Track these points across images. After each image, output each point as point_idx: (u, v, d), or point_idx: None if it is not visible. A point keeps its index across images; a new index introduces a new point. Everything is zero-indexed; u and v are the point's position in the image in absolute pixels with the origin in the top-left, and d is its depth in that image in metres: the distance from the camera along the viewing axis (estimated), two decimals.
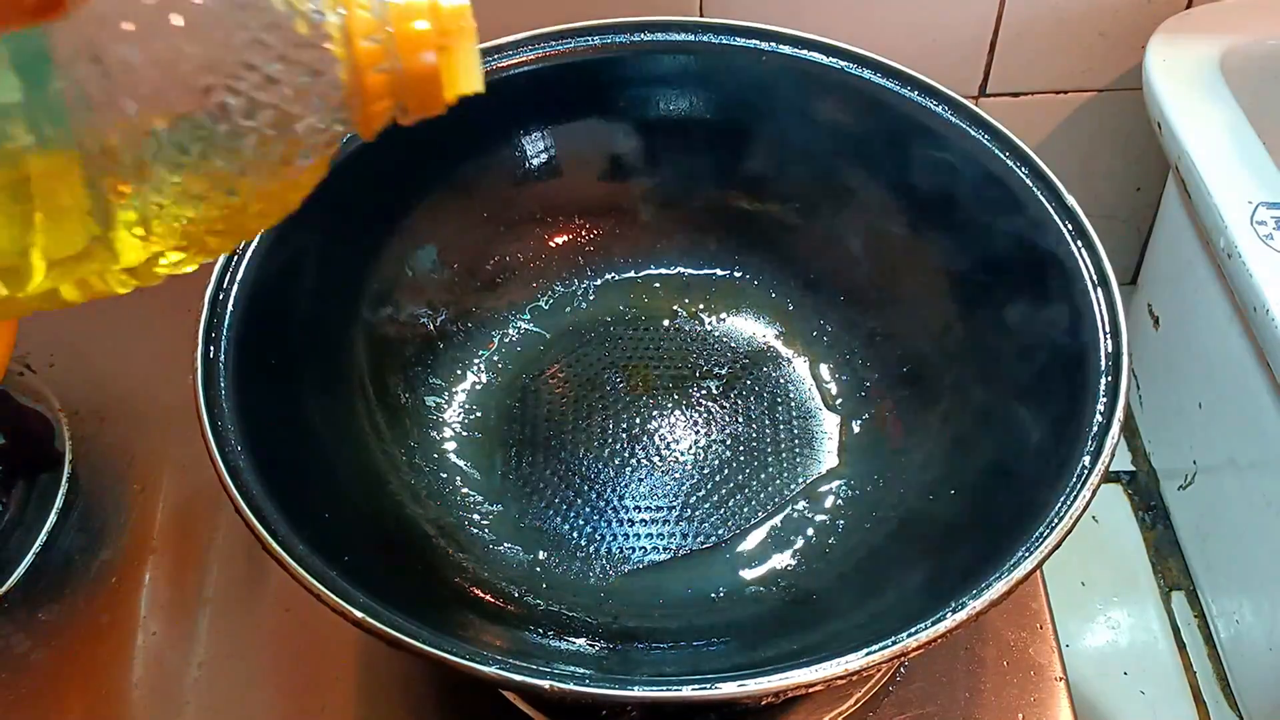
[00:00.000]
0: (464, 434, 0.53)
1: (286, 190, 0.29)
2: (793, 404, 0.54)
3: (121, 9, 0.25)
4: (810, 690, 0.35)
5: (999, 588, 0.35)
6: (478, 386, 0.55)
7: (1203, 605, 0.78)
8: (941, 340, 0.51)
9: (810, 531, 0.49)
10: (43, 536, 0.53)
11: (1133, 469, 0.86)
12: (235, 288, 0.44)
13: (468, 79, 0.29)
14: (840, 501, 0.50)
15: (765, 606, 0.47)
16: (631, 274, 0.58)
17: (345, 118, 0.28)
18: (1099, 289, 0.43)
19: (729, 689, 0.34)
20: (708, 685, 0.34)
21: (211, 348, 0.42)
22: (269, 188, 0.28)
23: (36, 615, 0.51)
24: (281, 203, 0.29)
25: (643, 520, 0.50)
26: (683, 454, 0.52)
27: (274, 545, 0.37)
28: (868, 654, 0.34)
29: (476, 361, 0.55)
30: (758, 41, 0.52)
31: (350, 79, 0.27)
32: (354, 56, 0.27)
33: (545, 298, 0.57)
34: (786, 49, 0.51)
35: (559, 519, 0.50)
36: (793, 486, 0.51)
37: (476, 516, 0.50)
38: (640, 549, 0.49)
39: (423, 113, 0.29)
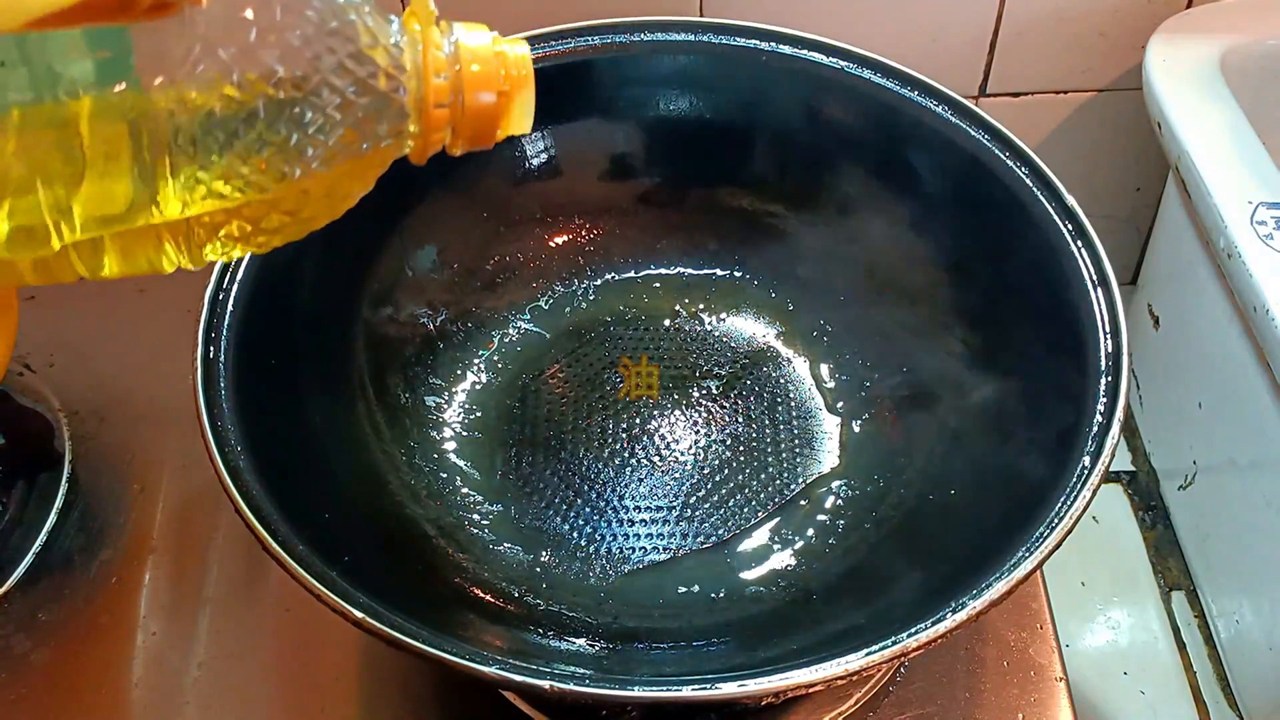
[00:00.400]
0: (464, 434, 0.53)
1: (336, 200, 0.31)
2: (793, 404, 0.54)
3: (225, 17, 0.26)
4: (810, 690, 0.35)
5: (999, 588, 0.35)
6: (478, 386, 0.55)
7: (1203, 605, 0.77)
8: (941, 340, 0.51)
9: (810, 531, 0.49)
10: (43, 536, 0.53)
11: (1133, 469, 0.86)
12: (235, 288, 0.44)
13: (520, 122, 0.32)
14: (840, 501, 0.50)
15: (765, 606, 0.47)
16: (631, 274, 0.58)
17: (404, 142, 0.30)
18: (1099, 289, 0.43)
19: (729, 689, 0.34)
20: (708, 685, 0.34)
21: (211, 348, 0.42)
22: (320, 194, 0.30)
23: (36, 615, 0.51)
24: (329, 209, 0.31)
25: (643, 520, 0.50)
26: (683, 454, 0.52)
27: (274, 545, 0.37)
28: (868, 654, 0.34)
29: (476, 361, 0.55)
30: (758, 41, 0.52)
31: (416, 109, 0.30)
32: (424, 90, 0.29)
33: (545, 298, 0.57)
34: (786, 49, 0.51)
35: (559, 519, 0.50)
36: (793, 486, 0.51)
37: (476, 516, 0.50)
38: (640, 549, 0.49)
39: (473, 146, 0.32)
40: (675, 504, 0.51)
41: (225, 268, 0.44)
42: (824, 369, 0.55)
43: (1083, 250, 0.44)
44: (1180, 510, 0.80)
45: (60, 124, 0.26)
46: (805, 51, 0.51)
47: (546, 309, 0.57)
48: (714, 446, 0.53)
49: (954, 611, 0.35)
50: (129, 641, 0.50)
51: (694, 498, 0.51)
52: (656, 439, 0.53)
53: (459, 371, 0.55)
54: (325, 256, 0.49)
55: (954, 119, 0.49)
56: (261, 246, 0.31)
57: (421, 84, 0.29)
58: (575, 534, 0.50)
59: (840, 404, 0.54)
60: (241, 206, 0.29)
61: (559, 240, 0.57)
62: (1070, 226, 0.45)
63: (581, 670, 0.36)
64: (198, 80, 0.26)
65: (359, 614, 0.35)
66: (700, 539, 0.50)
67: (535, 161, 0.55)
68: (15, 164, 0.26)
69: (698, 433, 0.53)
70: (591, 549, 0.49)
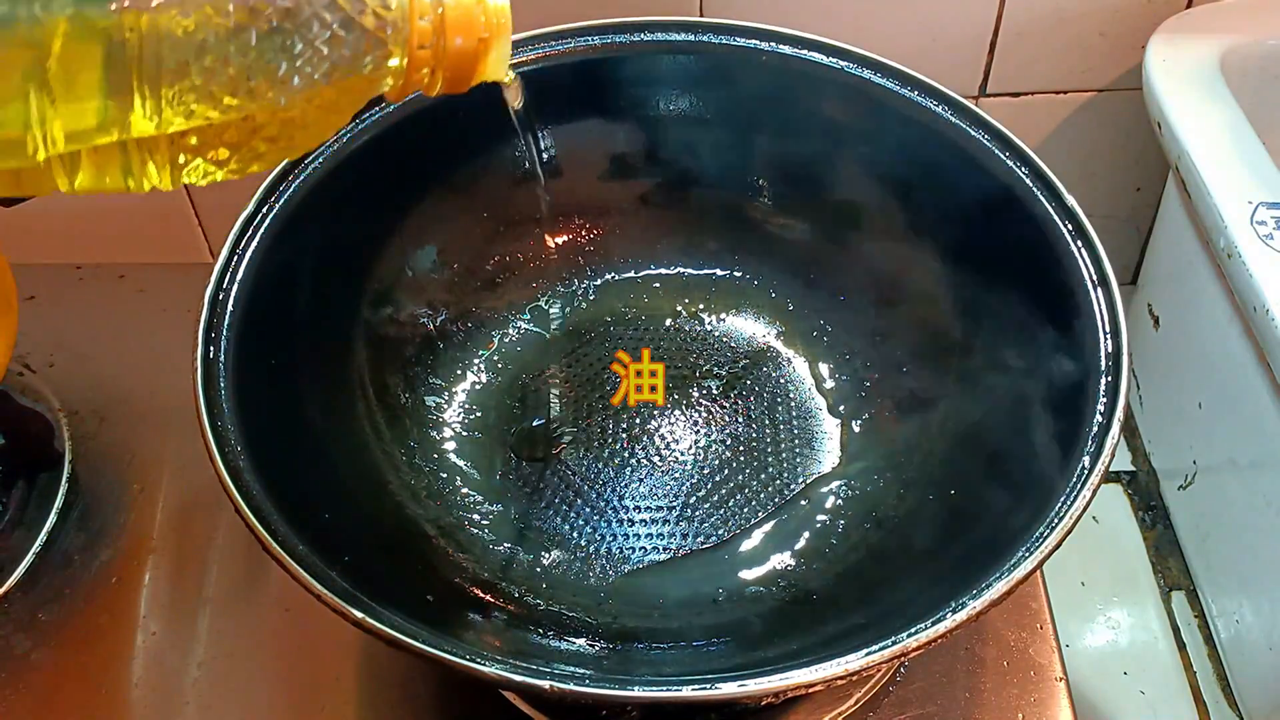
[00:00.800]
0: (464, 434, 0.53)
1: (314, 130, 0.32)
2: (793, 404, 0.54)
3: None
4: (810, 690, 0.35)
5: (999, 588, 0.35)
6: (478, 386, 0.55)
7: (1203, 605, 0.77)
8: (941, 340, 0.51)
9: (810, 531, 0.49)
10: (43, 536, 0.53)
11: (1133, 469, 0.86)
12: (235, 288, 0.44)
13: (497, 69, 0.34)
14: (840, 501, 0.50)
15: (765, 606, 0.47)
16: (631, 274, 0.58)
17: (385, 80, 0.32)
18: (1099, 289, 0.43)
19: (729, 689, 0.34)
20: (708, 685, 0.34)
21: (211, 348, 0.42)
22: (300, 124, 0.31)
23: (36, 615, 0.51)
24: (307, 139, 0.32)
25: (643, 520, 0.50)
26: (683, 454, 0.52)
27: (274, 545, 0.37)
28: (868, 654, 0.34)
29: (476, 361, 0.55)
30: (758, 41, 0.52)
31: (400, 49, 0.31)
32: (409, 31, 0.31)
33: (545, 298, 0.57)
34: (786, 49, 0.51)
35: (559, 519, 0.50)
36: (793, 486, 0.51)
37: (476, 516, 0.50)
38: (640, 549, 0.49)
39: (449, 89, 0.34)
40: (675, 504, 0.51)
41: (225, 267, 0.44)
42: (824, 369, 0.55)
43: (1083, 250, 0.44)
44: (1180, 510, 0.80)
45: (35, 42, 0.27)
46: (805, 51, 0.51)
47: (546, 309, 0.57)
48: (714, 446, 0.53)
49: (954, 611, 0.35)
50: (129, 641, 0.50)
51: (694, 498, 0.51)
52: (656, 439, 0.53)
53: (459, 371, 0.55)
54: (325, 256, 0.49)
55: (954, 119, 0.49)
56: (236, 173, 0.32)
57: (406, 24, 0.31)
58: (575, 534, 0.50)
59: (840, 404, 0.54)
60: (223, 131, 0.30)
61: (559, 240, 0.57)
62: (1070, 226, 0.45)
63: (581, 670, 0.36)
64: (191, 4, 0.27)
65: (359, 614, 0.35)
66: (700, 539, 0.50)
67: None
68: None
69: (698, 433, 0.53)
70: (591, 549, 0.49)
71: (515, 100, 0.42)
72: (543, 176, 0.46)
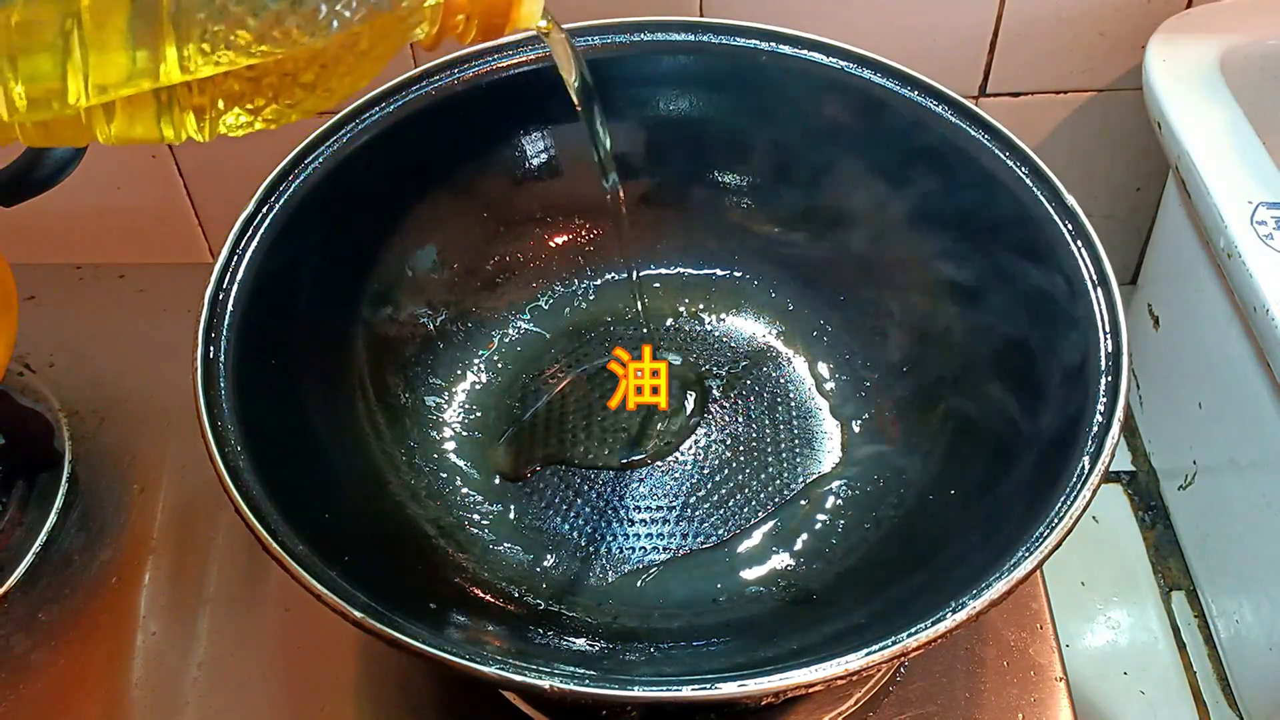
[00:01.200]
0: (464, 434, 0.53)
1: (347, 78, 0.32)
2: (793, 404, 0.54)
3: None
4: (810, 690, 0.35)
5: (999, 588, 0.35)
6: (478, 386, 0.55)
7: (1203, 605, 0.77)
8: (941, 340, 0.51)
9: (810, 532, 0.49)
10: (43, 536, 0.53)
11: (1133, 469, 0.86)
12: (235, 288, 0.44)
13: (530, 17, 0.34)
14: (840, 501, 0.50)
15: (765, 606, 0.47)
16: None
17: (421, 23, 0.32)
18: (1099, 289, 0.43)
19: (729, 689, 0.34)
20: (708, 685, 0.34)
21: (211, 348, 0.42)
22: (338, 71, 0.31)
23: (36, 615, 0.51)
24: (341, 87, 0.32)
25: (643, 520, 0.50)
26: (683, 454, 0.52)
27: (274, 545, 0.37)
28: (868, 654, 0.34)
29: (476, 361, 0.55)
30: (758, 41, 0.52)
31: None
32: None
33: (545, 298, 0.57)
34: (786, 49, 0.51)
35: (559, 519, 0.50)
36: (793, 486, 0.51)
37: (476, 516, 0.50)
38: (640, 549, 0.49)
39: (483, 37, 0.34)
40: (675, 504, 0.51)
41: (225, 267, 0.44)
42: (824, 369, 0.55)
43: (1083, 250, 0.44)
44: (1180, 510, 0.80)
45: None
46: (805, 51, 0.51)
47: (546, 309, 0.57)
48: (714, 446, 0.53)
49: (954, 611, 0.35)
50: (129, 641, 0.50)
51: (694, 498, 0.51)
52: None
53: (459, 371, 0.55)
54: (325, 256, 0.49)
55: (954, 119, 0.49)
56: (272, 122, 0.32)
57: None
58: (575, 534, 0.50)
59: (840, 404, 0.54)
60: (261, 78, 0.30)
61: (559, 240, 0.57)
62: (1070, 226, 0.45)
63: (581, 670, 0.36)
64: None
65: (359, 614, 0.35)
66: (700, 539, 0.50)
67: (535, 161, 0.55)
68: (22, 33, 0.27)
69: (697, 432, 0.53)
70: (591, 549, 0.49)
71: (569, 71, 0.41)
72: (607, 144, 0.46)
